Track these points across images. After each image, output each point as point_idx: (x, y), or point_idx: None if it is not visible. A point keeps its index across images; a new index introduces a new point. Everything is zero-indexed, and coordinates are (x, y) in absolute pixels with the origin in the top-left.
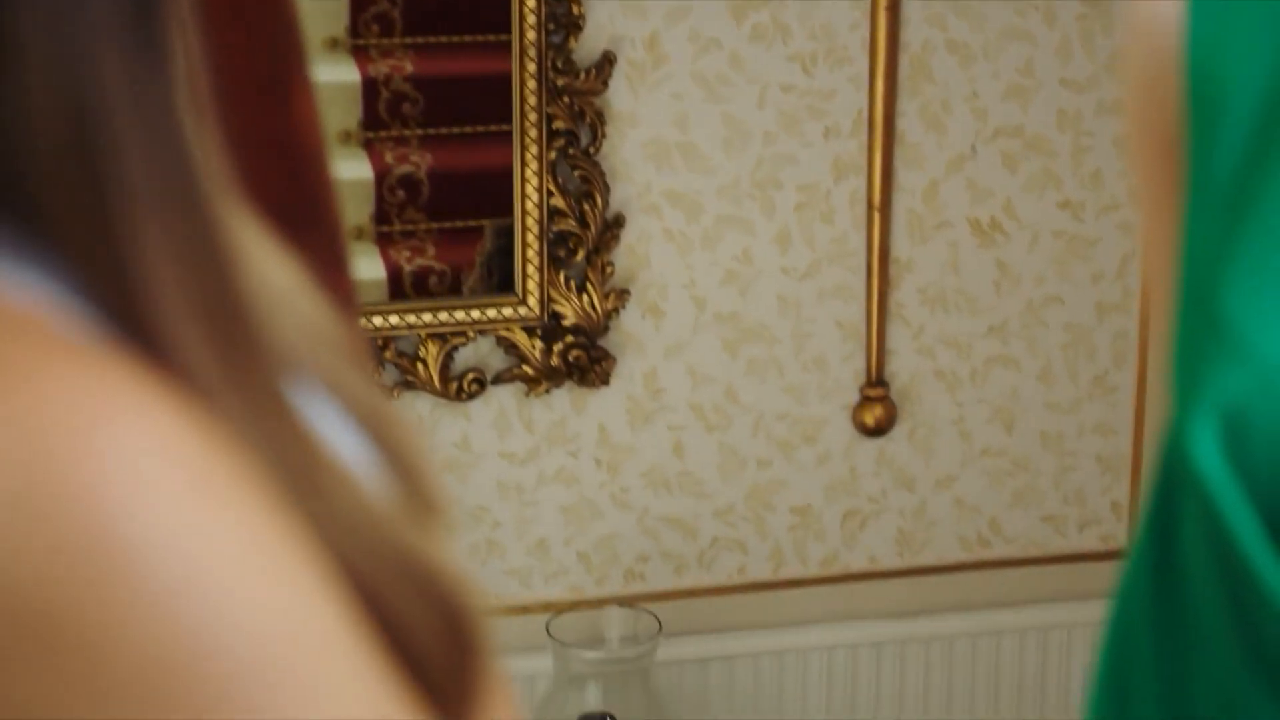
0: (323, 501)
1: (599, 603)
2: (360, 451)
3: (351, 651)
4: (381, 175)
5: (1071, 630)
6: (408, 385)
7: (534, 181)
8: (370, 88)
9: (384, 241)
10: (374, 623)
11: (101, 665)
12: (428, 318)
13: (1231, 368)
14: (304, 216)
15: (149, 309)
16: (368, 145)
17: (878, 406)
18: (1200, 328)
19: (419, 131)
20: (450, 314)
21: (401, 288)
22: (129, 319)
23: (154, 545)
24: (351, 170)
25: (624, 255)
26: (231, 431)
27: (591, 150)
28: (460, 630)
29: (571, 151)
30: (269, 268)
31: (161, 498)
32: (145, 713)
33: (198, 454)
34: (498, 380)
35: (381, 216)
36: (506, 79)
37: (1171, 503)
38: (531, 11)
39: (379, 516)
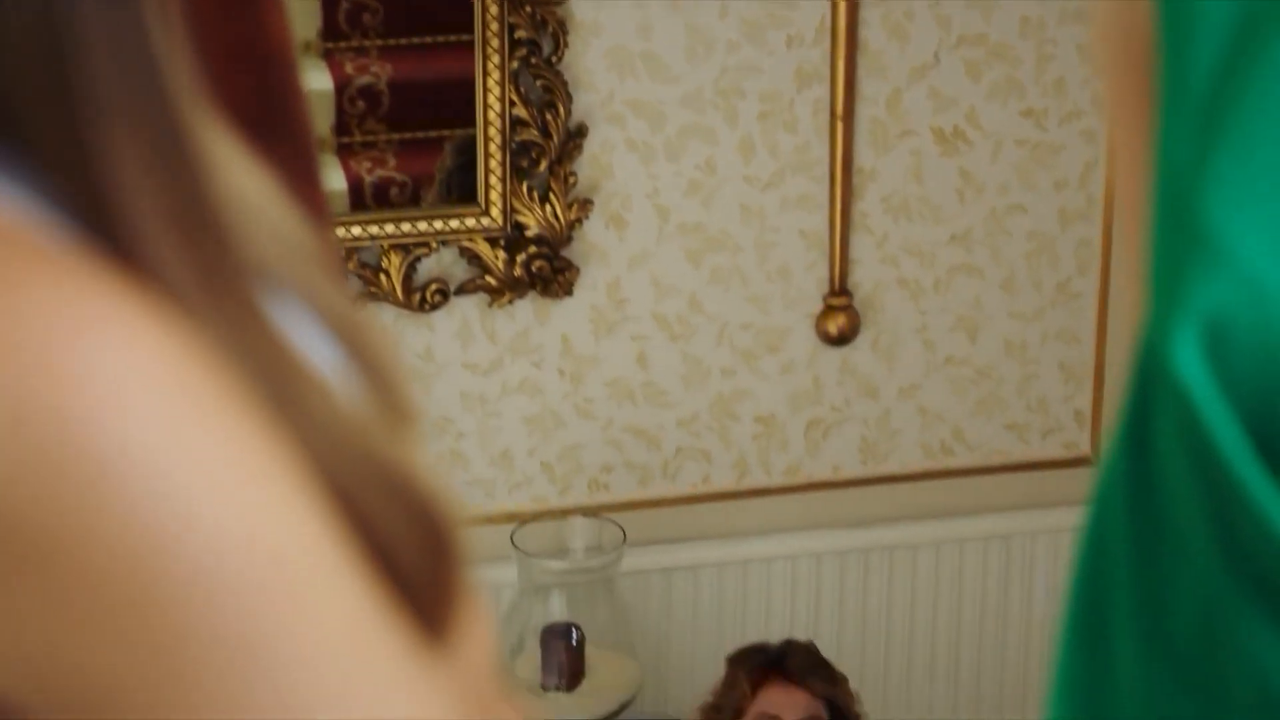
0: (301, 411)
1: (563, 513)
2: (335, 361)
3: (335, 561)
4: (341, 86)
5: (1034, 538)
6: (370, 296)
7: (496, 91)
8: None
9: (344, 153)
10: (354, 532)
11: (85, 579)
12: (390, 229)
13: (1213, 278)
14: (275, 127)
15: (121, 217)
16: (327, 56)
17: (841, 315)
18: (1179, 237)
19: (379, 42)
20: (413, 225)
21: (362, 199)
22: (102, 228)
23: (137, 456)
24: (311, 81)
25: (587, 165)
26: (210, 341)
27: (554, 60)
28: (438, 539)
29: (533, 61)
30: (241, 177)
31: (144, 408)
32: (131, 624)
33: (179, 363)
34: (461, 291)
35: (342, 128)
36: None
37: (1147, 413)
38: None
39: (356, 426)
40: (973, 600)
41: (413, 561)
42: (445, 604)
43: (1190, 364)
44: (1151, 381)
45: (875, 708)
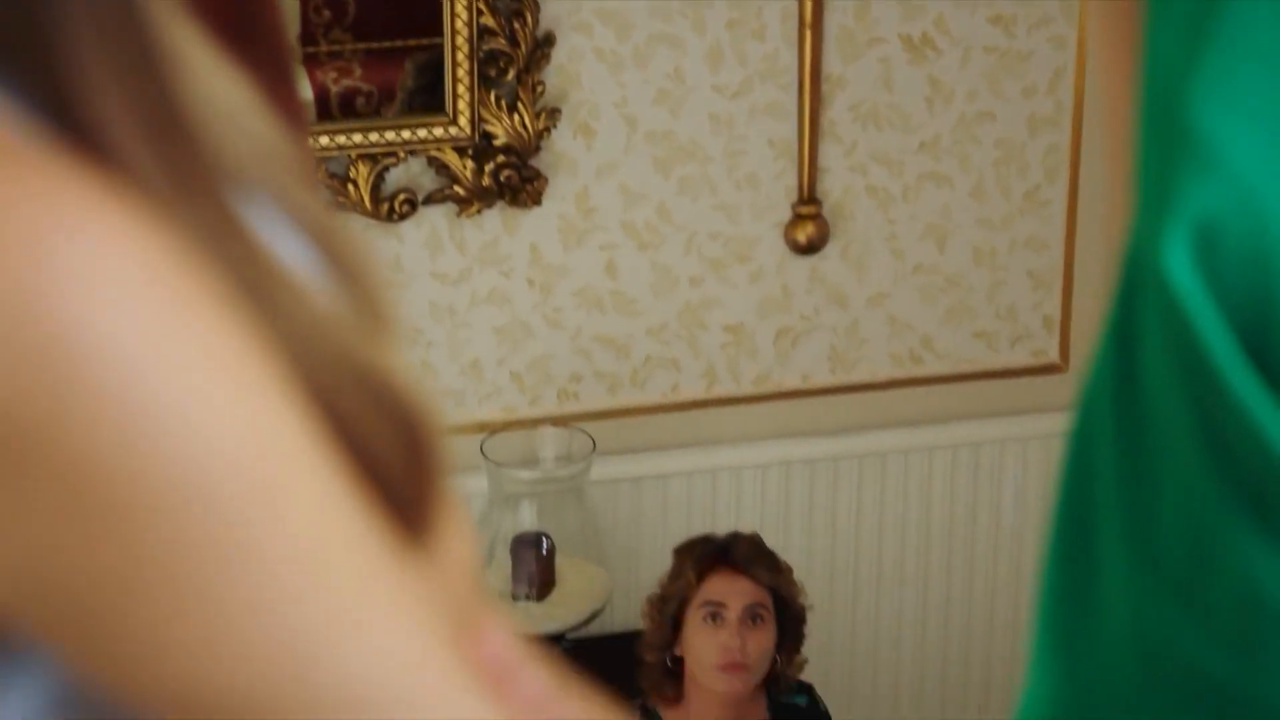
0: (278, 311)
1: (532, 422)
2: (312, 266)
3: (316, 460)
4: None
5: (1003, 445)
6: (338, 206)
7: (463, 0)
8: None
9: (310, 62)
10: (333, 432)
11: (63, 480)
12: (358, 138)
13: (1203, 181)
14: (249, 32)
15: (93, 118)
16: None
17: (810, 224)
18: (1168, 141)
19: None
20: (380, 135)
21: (328, 109)
22: (74, 128)
23: (115, 355)
24: None
25: (555, 74)
26: (185, 240)
27: None
28: (417, 442)
29: None
30: (214, 81)
31: (122, 306)
32: (111, 525)
33: (156, 262)
34: (429, 201)
35: (307, 37)
36: None
37: (1134, 321)
38: None
39: (334, 329)
40: (941, 507)
41: (392, 464)
42: (424, 507)
43: (1180, 270)
44: (1139, 289)
45: (845, 614)
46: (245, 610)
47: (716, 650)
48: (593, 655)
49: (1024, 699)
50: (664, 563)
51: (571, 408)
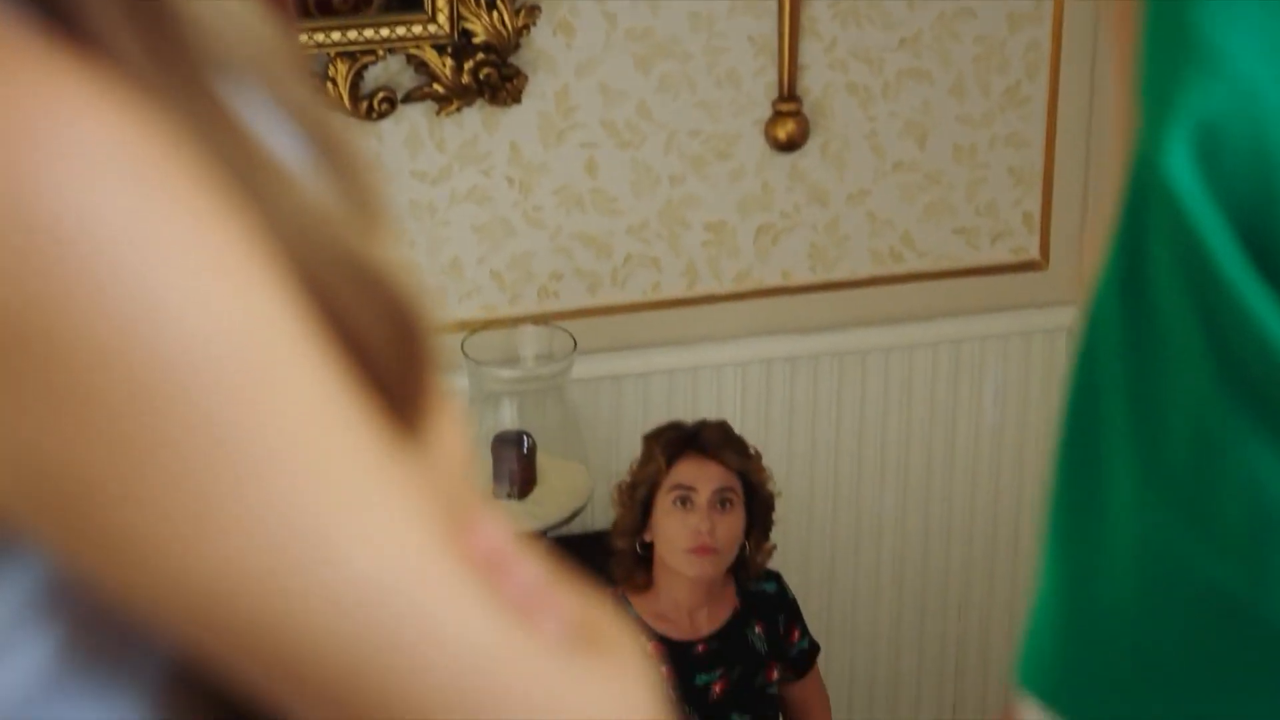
0: (268, 199)
1: (513, 321)
2: (302, 156)
3: (307, 349)
4: None
5: (983, 342)
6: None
7: None
8: None
9: None
10: (324, 322)
11: (50, 367)
12: (336, 36)
13: (1206, 84)
14: None
15: (79, 5)
16: None
17: (790, 121)
18: (1172, 45)
19: None
20: (359, 32)
21: (307, 6)
22: (60, 16)
23: (102, 239)
24: None
25: None
26: (173, 127)
27: None
28: (409, 333)
29: None
30: None
31: (109, 190)
32: (99, 413)
33: (143, 147)
34: (408, 99)
35: None
36: None
37: (1141, 222)
38: None
39: (326, 218)
40: (922, 405)
41: (384, 354)
42: (417, 398)
43: (1182, 172)
44: (1145, 192)
45: (825, 514)
46: (239, 500)
47: (686, 533)
48: (574, 553)
49: (1034, 610)
50: None
51: (552, 306)
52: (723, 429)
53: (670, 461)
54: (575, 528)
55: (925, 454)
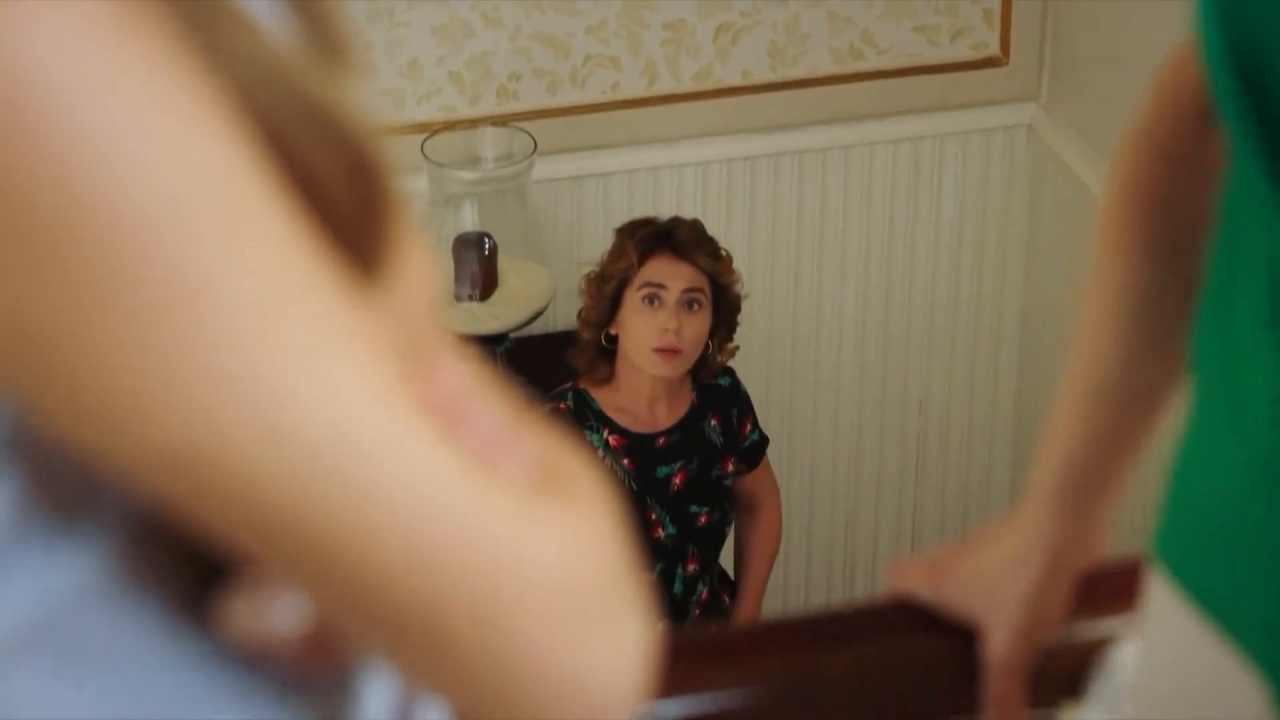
0: (223, 44)
1: (472, 123)
2: None
3: (264, 196)
4: None
5: (943, 140)
6: None
7: None
8: None
9: None
10: (281, 166)
11: (6, 218)
12: None
13: None
14: None
15: None
16: None
17: None
18: None
19: None
20: None
21: None
22: None
23: (55, 86)
24: None
25: None
26: None
27: None
28: (369, 175)
29: None
30: None
31: (65, 41)
32: (58, 265)
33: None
34: None
35: None
36: None
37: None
38: None
39: (283, 61)
40: (882, 203)
41: (343, 200)
42: (377, 243)
43: (1211, 35)
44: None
45: (787, 308)
46: (200, 348)
47: (653, 332)
48: (535, 354)
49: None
50: None
51: (511, 107)
52: (696, 228)
53: (642, 258)
54: (536, 328)
55: (885, 252)
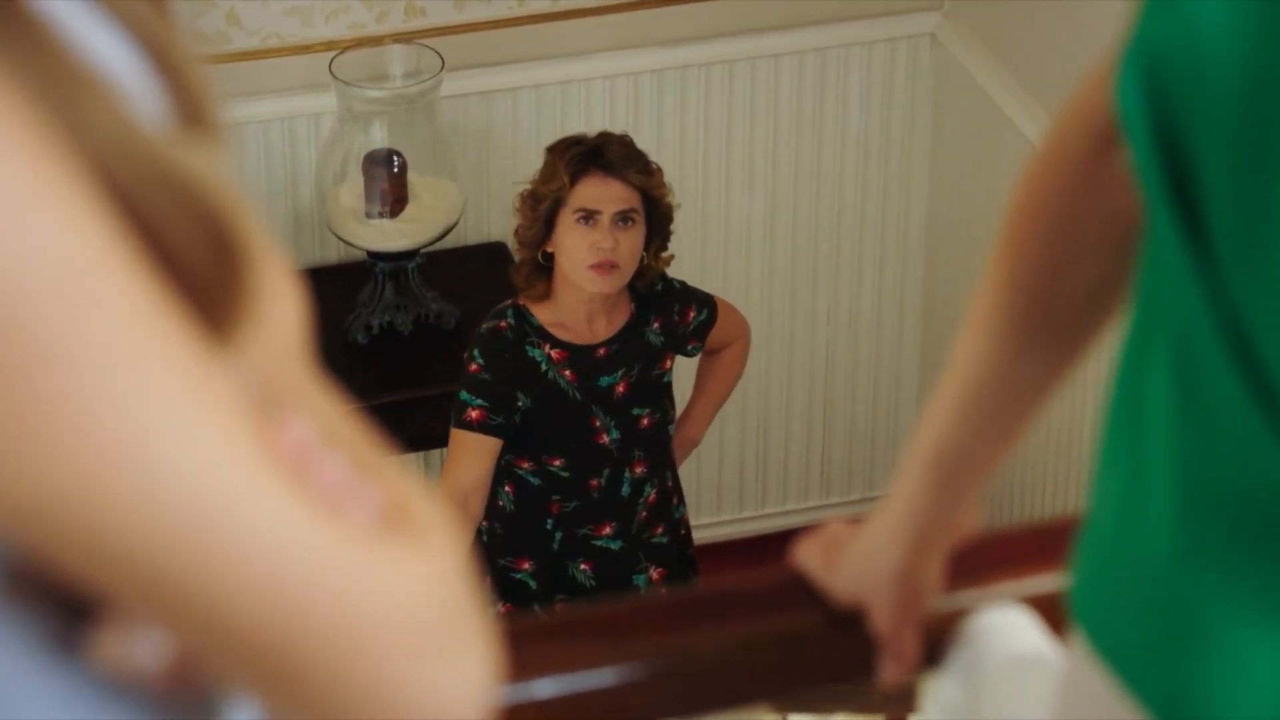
0: (82, 116)
1: (380, 40)
2: (130, 66)
3: (122, 268)
4: None
5: (848, 50)
6: None
7: None
8: None
9: None
10: (138, 237)
11: None
12: None
13: (1159, 19)
14: None
15: None
16: None
17: None
18: None
19: None
20: None
21: None
22: None
23: None
24: None
25: None
26: None
27: None
28: (226, 242)
29: None
30: None
31: None
32: None
33: None
34: None
35: None
36: None
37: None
38: None
39: (141, 133)
40: (788, 114)
41: (199, 262)
42: (233, 300)
43: (1128, 95)
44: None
45: (694, 222)
46: (58, 416)
47: (589, 250)
48: (448, 269)
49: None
50: (516, 177)
51: (419, 24)
52: (625, 144)
53: (574, 179)
54: (448, 243)
55: (793, 163)
